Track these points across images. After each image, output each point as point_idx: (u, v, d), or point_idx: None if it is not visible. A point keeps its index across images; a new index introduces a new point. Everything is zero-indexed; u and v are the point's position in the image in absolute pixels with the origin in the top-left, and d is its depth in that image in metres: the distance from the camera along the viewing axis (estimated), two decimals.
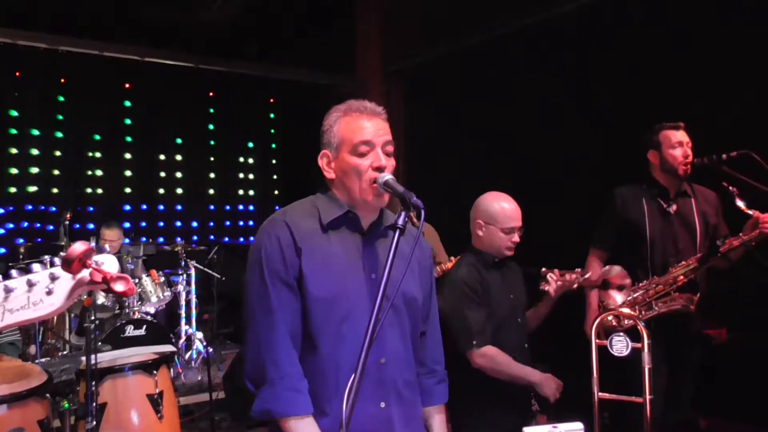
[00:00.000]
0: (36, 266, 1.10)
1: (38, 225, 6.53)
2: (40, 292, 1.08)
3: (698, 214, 2.91)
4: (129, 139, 7.23)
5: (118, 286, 1.07)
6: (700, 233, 2.87)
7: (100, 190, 7.04)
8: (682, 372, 2.84)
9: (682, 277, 2.72)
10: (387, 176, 1.54)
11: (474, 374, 2.38)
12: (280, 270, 1.55)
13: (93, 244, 1.08)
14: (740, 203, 2.65)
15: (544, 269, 2.57)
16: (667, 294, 2.74)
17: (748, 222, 2.65)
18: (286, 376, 1.51)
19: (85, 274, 1.07)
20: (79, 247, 1.04)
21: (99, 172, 7.03)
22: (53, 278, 1.08)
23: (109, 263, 1.09)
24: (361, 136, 1.57)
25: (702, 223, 2.89)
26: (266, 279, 1.55)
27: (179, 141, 7.66)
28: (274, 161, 8.43)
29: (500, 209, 2.48)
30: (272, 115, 8.31)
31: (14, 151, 6.48)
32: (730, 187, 2.68)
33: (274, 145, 8.42)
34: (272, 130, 8.38)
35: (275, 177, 8.43)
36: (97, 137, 7.01)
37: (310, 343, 1.56)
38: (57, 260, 1.09)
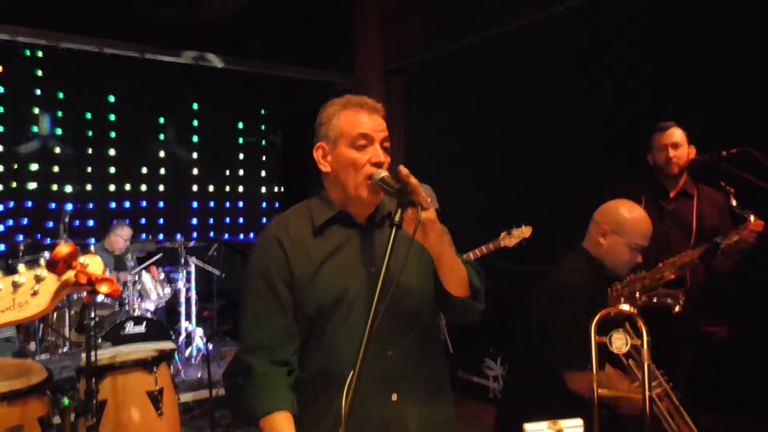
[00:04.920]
0: (21, 267, 1.09)
1: (38, 222, 6.52)
2: (25, 294, 1.07)
3: (697, 214, 2.91)
4: (127, 136, 7.22)
5: (103, 288, 1.07)
6: (695, 233, 2.87)
7: (99, 187, 7.03)
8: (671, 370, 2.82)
9: (669, 272, 2.72)
10: (383, 173, 1.53)
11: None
12: (266, 286, 1.58)
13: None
14: (735, 203, 2.67)
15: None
16: (654, 288, 2.72)
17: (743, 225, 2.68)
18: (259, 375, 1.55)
19: (70, 275, 1.07)
20: (63, 248, 1.04)
21: (98, 169, 7.01)
22: (38, 279, 1.07)
23: (94, 265, 1.09)
24: (361, 129, 1.57)
25: (699, 224, 2.89)
26: (254, 292, 1.60)
27: (185, 137, 7.67)
28: (276, 158, 8.44)
29: (634, 221, 2.24)
30: (275, 112, 8.30)
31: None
32: (728, 187, 2.70)
33: (277, 142, 8.42)
34: (275, 127, 8.38)
35: (276, 174, 8.44)
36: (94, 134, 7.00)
37: (315, 342, 1.57)
38: (42, 261, 1.09)
